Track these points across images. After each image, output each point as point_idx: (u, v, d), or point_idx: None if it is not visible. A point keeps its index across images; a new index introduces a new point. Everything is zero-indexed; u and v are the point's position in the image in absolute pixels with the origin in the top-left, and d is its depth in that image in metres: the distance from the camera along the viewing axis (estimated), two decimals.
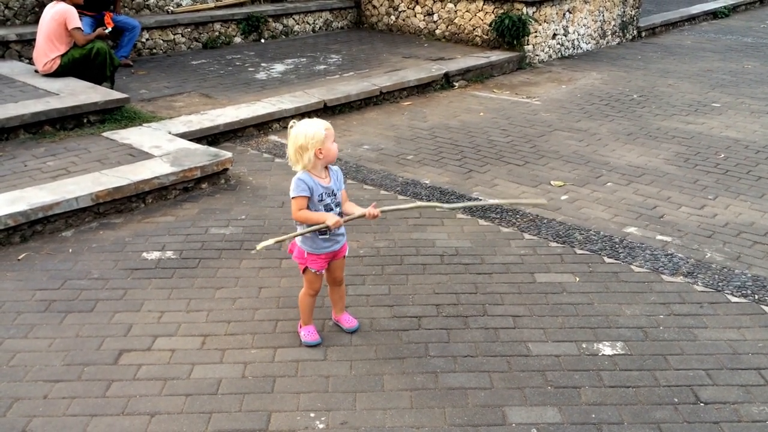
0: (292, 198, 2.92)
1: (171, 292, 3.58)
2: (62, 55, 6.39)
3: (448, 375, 2.96)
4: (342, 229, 3.08)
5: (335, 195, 2.99)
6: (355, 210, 3.01)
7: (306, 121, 2.91)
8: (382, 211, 2.98)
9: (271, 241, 2.92)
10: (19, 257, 3.90)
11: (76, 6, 6.52)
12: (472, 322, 3.35)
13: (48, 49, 6.37)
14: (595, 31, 10.32)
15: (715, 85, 8.12)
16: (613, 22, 10.64)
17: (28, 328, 3.25)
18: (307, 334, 3.17)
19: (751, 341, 3.19)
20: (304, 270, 3.08)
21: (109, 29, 7.20)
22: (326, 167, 2.99)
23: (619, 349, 3.14)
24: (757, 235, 4.30)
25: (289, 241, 3.09)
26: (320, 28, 10.51)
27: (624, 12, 10.81)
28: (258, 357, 3.06)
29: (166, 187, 4.70)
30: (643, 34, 11.41)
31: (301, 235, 2.99)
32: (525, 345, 3.17)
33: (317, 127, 2.87)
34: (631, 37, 11.15)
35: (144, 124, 5.73)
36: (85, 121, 5.72)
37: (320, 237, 2.99)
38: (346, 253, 3.17)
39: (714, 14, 13.38)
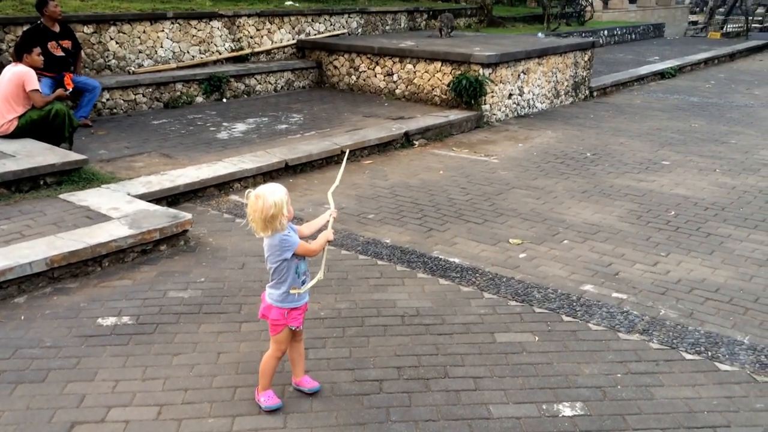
0: (298, 252, 2.98)
1: (126, 360, 3.50)
2: (20, 117, 6.35)
3: None
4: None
5: None
6: (320, 221, 3.21)
7: (265, 189, 2.90)
8: (330, 198, 3.28)
9: (312, 283, 3.07)
10: None
11: (36, 68, 6.51)
12: (434, 385, 3.34)
13: (5, 110, 6.32)
14: (549, 91, 10.68)
15: (664, 144, 8.44)
16: (566, 83, 11.04)
17: None
18: (267, 398, 3.12)
19: (706, 399, 3.25)
20: (280, 331, 3.06)
21: (69, 90, 7.21)
22: None
23: (579, 409, 3.16)
24: (709, 291, 4.42)
25: (323, 271, 3.11)
26: (282, 87, 10.67)
27: (576, 73, 11.24)
28: (216, 427, 2.99)
29: (123, 250, 4.64)
30: (595, 93, 11.85)
31: (324, 262, 3.14)
32: (486, 407, 3.17)
33: (280, 192, 2.90)
34: (583, 96, 11.56)
35: (102, 186, 5.68)
36: (41, 183, 5.65)
37: (299, 288, 3.05)
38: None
39: (662, 75, 14.01)
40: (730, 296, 4.35)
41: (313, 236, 3.15)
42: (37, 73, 6.52)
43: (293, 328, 3.08)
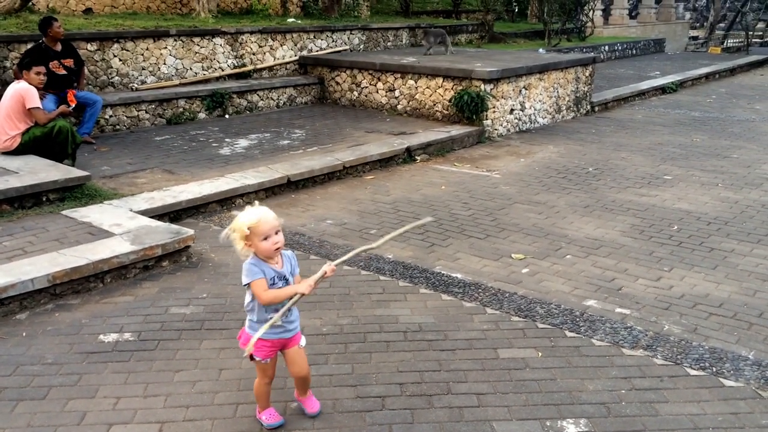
0: (249, 284, 2.84)
1: (128, 377, 3.48)
2: (23, 133, 6.38)
3: None
4: (293, 316, 2.99)
5: (287, 280, 2.92)
6: (315, 276, 2.87)
7: (249, 209, 2.83)
8: (336, 264, 2.90)
9: (262, 331, 2.79)
10: None
11: (34, 86, 6.52)
12: (436, 401, 3.32)
13: (8, 126, 6.36)
14: (550, 107, 10.71)
15: (666, 158, 8.44)
16: (567, 98, 11.08)
17: None
18: (269, 417, 3.10)
19: (711, 415, 3.22)
20: (251, 358, 2.95)
21: (73, 106, 7.24)
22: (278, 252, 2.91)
23: (583, 426, 3.13)
24: (713, 306, 4.40)
25: (279, 316, 2.85)
26: (284, 103, 10.71)
27: (577, 88, 11.27)
28: None
29: (125, 266, 4.64)
30: (596, 108, 11.88)
31: (283, 314, 2.84)
32: (489, 424, 3.14)
33: (247, 218, 2.78)
34: (585, 111, 11.59)
35: (105, 202, 5.69)
36: (44, 199, 5.66)
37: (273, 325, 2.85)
38: (302, 343, 3.06)
39: (663, 90, 14.04)
40: (734, 311, 4.33)
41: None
42: (40, 91, 6.56)
43: (258, 360, 2.94)
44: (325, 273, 2.85)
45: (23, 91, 6.35)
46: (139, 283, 4.62)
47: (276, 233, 2.82)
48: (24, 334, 3.89)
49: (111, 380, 3.44)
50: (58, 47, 7.79)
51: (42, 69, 6.67)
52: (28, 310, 4.16)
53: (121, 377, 3.48)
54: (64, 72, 7.76)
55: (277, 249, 2.84)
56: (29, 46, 8.14)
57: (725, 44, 26.41)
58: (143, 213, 5.48)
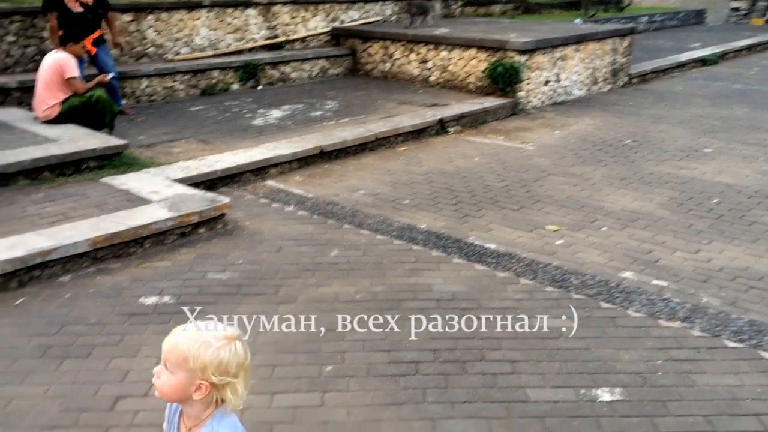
0: None
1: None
2: (62, 102, 6.49)
3: (446, 421, 2.94)
4: None
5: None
6: None
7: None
8: None
9: None
10: (16, 303, 3.89)
11: (78, 57, 6.63)
12: (470, 368, 3.34)
13: (47, 96, 6.47)
14: (586, 78, 10.52)
15: (706, 131, 8.25)
16: (604, 69, 10.86)
17: (24, 375, 3.23)
18: None
19: (750, 387, 3.19)
20: None
21: (108, 77, 7.20)
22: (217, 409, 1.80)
23: (618, 395, 3.13)
24: (753, 279, 4.32)
25: None
26: (317, 75, 10.69)
27: (615, 60, 11.04)
28: (254, 403, 3.03)
29: (163, 232, 4.71)
30: (634, 80, 11.63)
31: None
32: (523, 391, 3.15)
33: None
34: (622, 83, 11.36)
35: (142, 170, 5.78)
36: (83, 167, 5.76)
37: None
38: None
39: (703, 61, 13.67)
40: None
41: None
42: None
43: None
44: None
45: (62, 60, 6.45)
46: (177, 249, 4.70)
47: (164, 364, 1.73)
48: (67, 296, 4.00)
49: (152, 341, 3.53)
50: None
51: (85, 42, 6.79)
52: (70, 273, 4.27)
53: (161, 338, 3.51)
54: (80, 9, 7.16)
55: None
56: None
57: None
58: (179, 181, 5.55)
